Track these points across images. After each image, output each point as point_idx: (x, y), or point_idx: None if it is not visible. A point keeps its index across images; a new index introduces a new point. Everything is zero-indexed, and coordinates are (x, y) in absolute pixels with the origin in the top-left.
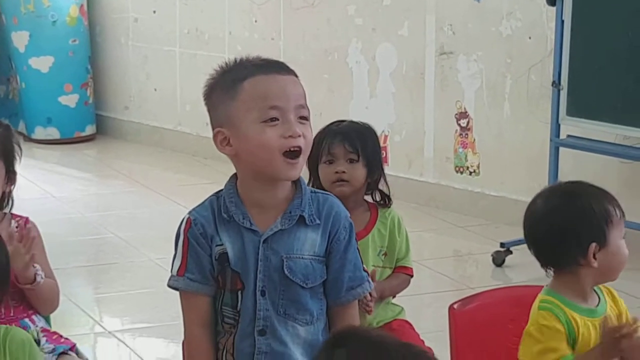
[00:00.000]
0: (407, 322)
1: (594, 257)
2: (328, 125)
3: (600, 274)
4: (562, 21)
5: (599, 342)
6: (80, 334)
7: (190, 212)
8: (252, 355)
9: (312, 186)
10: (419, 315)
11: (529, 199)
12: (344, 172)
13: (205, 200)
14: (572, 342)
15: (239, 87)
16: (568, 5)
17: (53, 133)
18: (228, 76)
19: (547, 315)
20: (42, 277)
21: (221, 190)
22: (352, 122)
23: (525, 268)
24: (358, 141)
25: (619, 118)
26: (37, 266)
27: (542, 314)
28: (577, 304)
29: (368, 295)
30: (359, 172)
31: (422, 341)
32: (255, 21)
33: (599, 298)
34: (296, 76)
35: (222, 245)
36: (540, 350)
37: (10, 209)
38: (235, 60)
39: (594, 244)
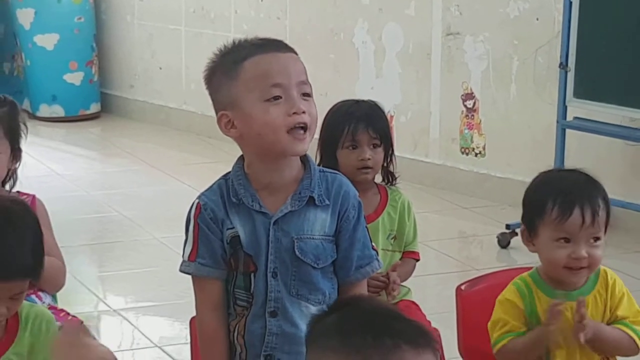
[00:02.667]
0: (413, 302)
1: (531, 243)
2: (342, 108)
3: (543, 266)
4: (570, 2)
5: (534, 330)
6: (84, 311)
7: (199, 197)
8: (262, 336)
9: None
10: (424, 296)
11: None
12: (369, 159)
13: (214, 183)
14: (535, 322)
15: (240, 67)
16: None
17: (58, 111)
18: (228, 58)
19: (513, 291)
20: None
21: (229, 172)
22: (366, 103)
23: None
24: (380, 126)
25: (625, 100)
26: None
27: (510, 288)
28: (549, 285)
29: (383, 279)
30: (379, 157)
31: (429, 322)
32: (261, 0)
33: (586, 282)
34: (296, 53)
35: (233, 228)
36: (496, 320)
37: (13, 186)
38: (234, 42)
39: (523, 227)
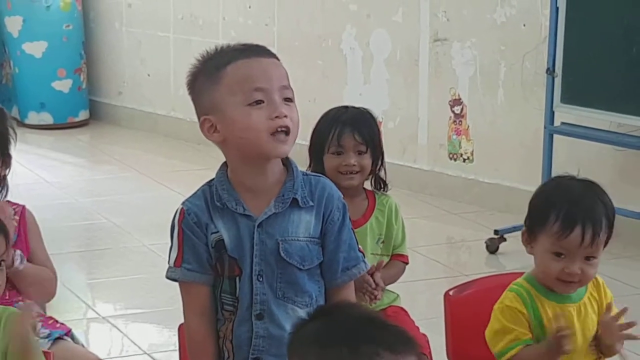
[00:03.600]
0: (402, 308)
1: (529, 245)
2: (331, 113)
3: (537, 270)
4: (557, 8)
5: (546, 339)
6: (73, 319)
7: (183, 203)
8: (249, 340)
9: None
10: (413, 301)
11: (522, 186)
12: (354, 164)
13: (198, 190)
14: (539, 326)
15: (222, 72)
16: None
17: (46, 118)
18: (210, 63)
19: (512, 297)
20: (21, 263)
21: (213, 179)
22: (356, 109)
23: (519, 255)
24: (367, 132)
25: (613, 105)
26: (18, 252)
27: (509, 295)
28: (547, 290)
29: (373, 283)
30: (366, 162)
31: (417, 327)
32: (249, 7)
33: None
34: (278, 59)
35: (217, 232)
36: (499, 329)
37: (5, 195)
38: (216, 48)
39: (525, 229)
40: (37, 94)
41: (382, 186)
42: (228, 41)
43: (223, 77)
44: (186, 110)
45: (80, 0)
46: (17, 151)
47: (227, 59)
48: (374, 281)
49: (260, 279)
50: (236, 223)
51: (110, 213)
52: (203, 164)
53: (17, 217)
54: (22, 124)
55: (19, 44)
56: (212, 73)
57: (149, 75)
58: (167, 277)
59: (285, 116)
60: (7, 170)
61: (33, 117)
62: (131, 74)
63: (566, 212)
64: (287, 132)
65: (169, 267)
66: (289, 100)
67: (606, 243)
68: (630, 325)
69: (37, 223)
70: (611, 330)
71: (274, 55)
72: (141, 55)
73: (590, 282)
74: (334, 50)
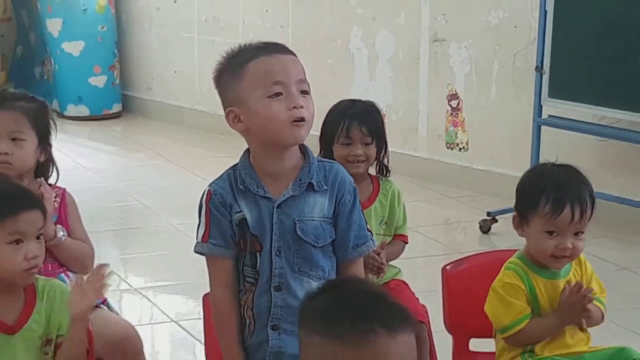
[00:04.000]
0: (403, 282)
1: (521, 229)
2: (340, 106)
3: (531, 251)
4: (545, 11)
5: (557, 308)
6: (108, 290)
7: (210, 185)
8: (268, 309)
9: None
10: (413, 276)
11: (513, 173)
12: (360, 154)
13: (223, 173)
14: (534, 300)
15: (245, 68)
16: None
17: (83, 111)
18: (234, 60)
19: (511, 275)
20: (63, 236)
21: (237, 164)
22: (363, 103)
23: (509, 235)
24: (372, 125)
25: (596, 100)
26: (59, 226)
27: (507, 273)
28: (539, 267)
29: (378, 258)
30: (372, 152)
31: (417, 299)
32: (266, 11)
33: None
34: (295, 56)
35: (241, 212)
36: (502, 305)
37: (57, 179)
38: (240, 46)
39: (515, 214)
40: (75, 88)
41: (385, 172)
42: (247, 41)
43: (246, 72)
44: (210, 103)
45: (113, 4)
46: (57, 140)
47: (249, 56)
48: (379, 259)
49: (279, 255)
50: (257, 204)
51: (141, 196)
52: (225, 153)
53: (58, 199)
54: (61, 115)
55: (59, 44)
56: (235, 69)
57: (175, 72)
58: (195, 251)
59: (302, 107)
60: (45, 157)
61: (71, 110)
62: (159, 71)
63: (555, 195)
64: (303, 121)
65: (197, 243)
66: (305, 92)
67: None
68: (587, 291)
69: (76, 204)
70: (571, 304)
71: (291, 52)
72: (168, 54)
73: (577, 260)
74: (343, 50)
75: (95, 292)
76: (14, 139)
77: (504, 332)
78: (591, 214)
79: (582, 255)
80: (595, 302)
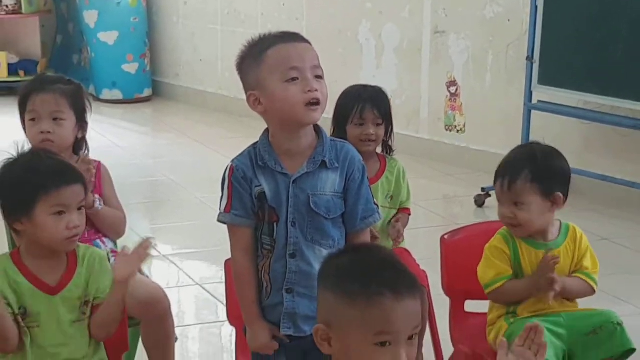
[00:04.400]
0: (406, 250)
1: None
2: (353, 90)
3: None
4: (536, 7)
5: (531, 274)
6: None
7: (232, 161)
8: (284, 274)
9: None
10: (415, 245)
11: (505, 152)
12: (372, 134)
13: (245, 150)
14: (517, 264)
15: (264, 55)
16: None
17: (117, 95)
18: (254, 48)
19: (499, 239)
20: (100, 205)
21: (257, 142)
22: (373, 88)
23: None
24: (383, 108)
25: (581, 87)
26: (97, 196)
27: (497, 237)
28: (527, 237)
29: (401, 228)
30: (381, 132)
31: (418, 265)
32: (283, 4)
33: (559, 235)
34: (310, 44)
35: (260, 186)
36: (487, 265)
37: (87, 154)
38: (260, 36)
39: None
40: (109, 74)
41: (389, 151)
42: (265, 32)
43: (265, 59)
44: (231, 88)
45: None
46: (93, 121)
47: (268, 44)
48: (397, 230)
49: (294, 225)
50: (275, 179)
51: (169, 171)
52: (245, 133)
53: (94, 171)
54: (97, 99)
55: (95, 34)
56: (256, 56)
57: (200, 60)
58: (218, 221)
59: (316, 90)
60: (82, 134)
61: (106, 94)
62: (186, 59)
63: (497, 169)
64: (317, 103)
65: (220, 213)
66: (319, 77)
67: (551, 196)
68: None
69: (110, 175)
70: (540, 272)
71: (307, 41)
72: (194, 43)
73: (571, 234)
74: (352, 40)
75: (139, 261)
76: (55, 119)
77: (486, 288)
78: (543, 188)
79: (579, 232)
80: (582, 275)
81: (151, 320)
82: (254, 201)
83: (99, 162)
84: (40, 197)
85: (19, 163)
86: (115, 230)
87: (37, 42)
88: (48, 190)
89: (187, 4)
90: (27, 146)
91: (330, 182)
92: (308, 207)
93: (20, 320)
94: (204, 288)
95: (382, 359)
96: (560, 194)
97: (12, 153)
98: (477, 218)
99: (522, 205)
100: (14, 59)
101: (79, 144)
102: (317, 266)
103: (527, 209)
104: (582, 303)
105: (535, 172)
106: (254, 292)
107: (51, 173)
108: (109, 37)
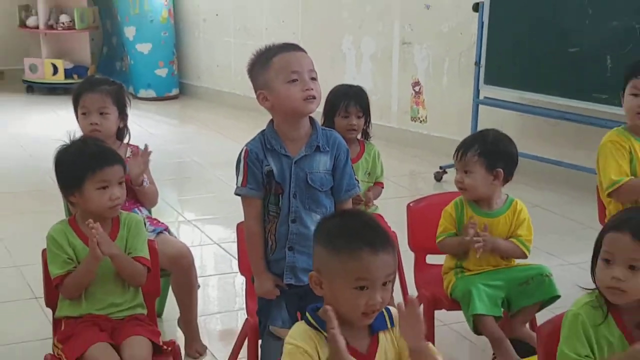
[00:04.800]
0: (380, 215)
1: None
2: (340, 89)
3: None
4: (482, 22)
5: (461, 235)
6: (169, 221)
7: (247, 144)
8: (287, 235)
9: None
10: (387, 211)
11: (458, 138)
12: (355, 124)
13: (256, 136)
14: (461, 225)
15: (271, 61)
16: (486, 12)
17: (151, 94)
18: (262, 56)
19: (451, 206)
20: (147, 183)
21: (264, 129)
22: (357, 87)
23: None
24: (364, 104)
25: (518, 86)
26: (145, 176)
27: (450, 204)
28: (475, 205)
29: (363, 198)
30: (362, 123)
31: (389, 227)
32: (283, 21)
33: (502, 206)
34: (306, 52)
35: (269, 165)
36: (440, 223)
37: (129, 140)
38: (266, 46)
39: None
40: (145, 77)
41: (367, 137)
42: (269, 43)
43: (271, 64)
44: (243, 88)
45: (173, 16)
46: (132, 115)
47: (273, 52)
48: (367, 198)
49: (295, 197)
50: (280, 160)
51: (193, 154)
52: (253, 124)
53: (132, 154)
54: (135, 97)
55: (133, 45)
56: (263, 62)
57: (217, 66)
58: (235, 194)
59: (312, 89)
60: (123, 123)
61: (143, 93)
62: (206, 65)
63: (458, 145)
64: (314, 97)
65: (237, 187)
66: (314, 78)
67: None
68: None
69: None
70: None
71: (303, 50)
72: (212, 53)
73: (512, 207)
74: (337, 50)
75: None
76: (101, 113)
77: (436, 242)
78: (487, 162)
79: (520, 205)
80: (515, 240)
81: (178, 271)
82: (264, 177)
83: (137, 146)
84: (88, 175)
85: (72, 148)
86: (150, 201)
87: (87, 52)
88: (94, 169)
89: (206, 21)
90: (78, 134)
91: (322, 163)
92: (306, 182)
93: None
94: (220, 246)
95: (361, 299)
96: (501, 170)
97: (66, 140)
98: (436, 190)
99: (470, 173)
100: (69, 65)
101: (121, 132)
102: (313, 229)
103: (473, 177)
104: (523, 260)
105: (483, 148)
106: (261, 250)
107: (96, 156)
108: (144, 48)
